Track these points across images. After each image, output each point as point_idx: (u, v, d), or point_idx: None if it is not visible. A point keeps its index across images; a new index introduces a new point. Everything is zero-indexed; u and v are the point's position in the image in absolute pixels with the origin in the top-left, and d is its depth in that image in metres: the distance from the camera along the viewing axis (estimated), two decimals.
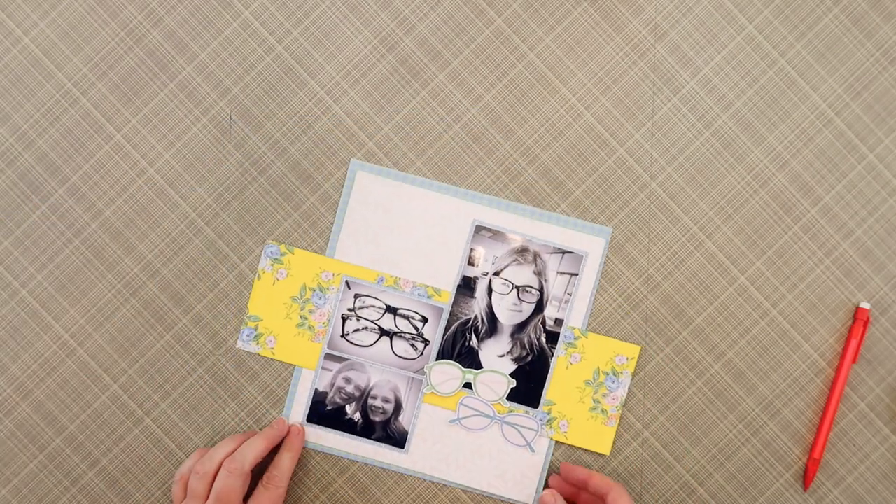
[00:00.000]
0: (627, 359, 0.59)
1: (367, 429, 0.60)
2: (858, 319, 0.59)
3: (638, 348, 0.59)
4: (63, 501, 0.60)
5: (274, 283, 0.59)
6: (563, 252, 0.59)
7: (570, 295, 0.59)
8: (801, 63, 0.60)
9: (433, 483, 0.60)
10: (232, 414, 0.60)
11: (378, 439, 0.60)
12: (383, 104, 0.60)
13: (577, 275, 0.59)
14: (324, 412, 0.60)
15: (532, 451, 0.59)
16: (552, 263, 0.59)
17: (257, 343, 0.59)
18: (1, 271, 0.60)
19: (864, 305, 0.59)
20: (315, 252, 0.59)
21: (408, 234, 0.59)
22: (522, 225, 0.59)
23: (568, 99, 0.60)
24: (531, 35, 0.60)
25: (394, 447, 0.60)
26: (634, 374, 0.60)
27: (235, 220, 0.60)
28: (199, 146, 0.60)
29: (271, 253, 0.59)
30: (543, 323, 0.60)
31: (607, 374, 0.59)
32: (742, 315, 0.60)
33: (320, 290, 0.59)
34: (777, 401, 0.60)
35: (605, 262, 0.60)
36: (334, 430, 0.60)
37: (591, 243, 0.59)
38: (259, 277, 0.59)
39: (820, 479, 0.60)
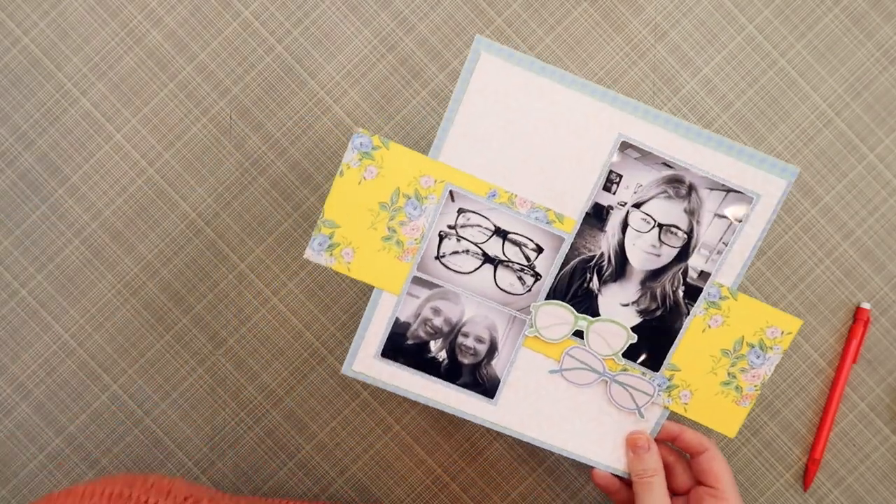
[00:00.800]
0: (783, 333, 0.49)
1: (452, 372, 0.50)
2: (859, 319, 0.59)
3: (800, 322, 0.49)
4: None
5: (360, 183, 0.48)
6: (729, 190, 0.48)
7: (725, 245, 0.49)
8: (802, 63, 0.60)
9: (437, 480, 0.60)
10: (232, 414, 0.60)
11: (464, 385, 0.50)
12: (383, 104, 0.60)
13: (741, 221, 0.48)
14: (403, 346, 0.50)
15: (641, 416, 0.51)
16: (711, 202, 0.48)
17: (331, 255, 0.49)
18: (1, 271, 0.60)
19: (865, 305, 0.59)
20: (415, 150, 0.51)
21: (534, 141, 0.47)
22: (682, 148, 0.47)
23: None
24: (531, 35, 0.60)
25: (481, 396, 0.51)
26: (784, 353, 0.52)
27: (235, 220, 0.60)
28: (199, 146, 0.60)
29: (360, 145, 0.47)
30: (685, 274, 0.49)
31: (752, 347, 0.49)
32: None
33: (417, 199, 0.48)
34: (777, 401, 0.60)
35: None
36: (413, 370, 0.50)
37: (769, 184, 0.47)
38: (342, 174, 0.47)
39: (820, 479, 0.60)
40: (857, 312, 0.59)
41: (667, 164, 0.48)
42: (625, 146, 0.48)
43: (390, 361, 0.50)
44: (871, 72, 0.60)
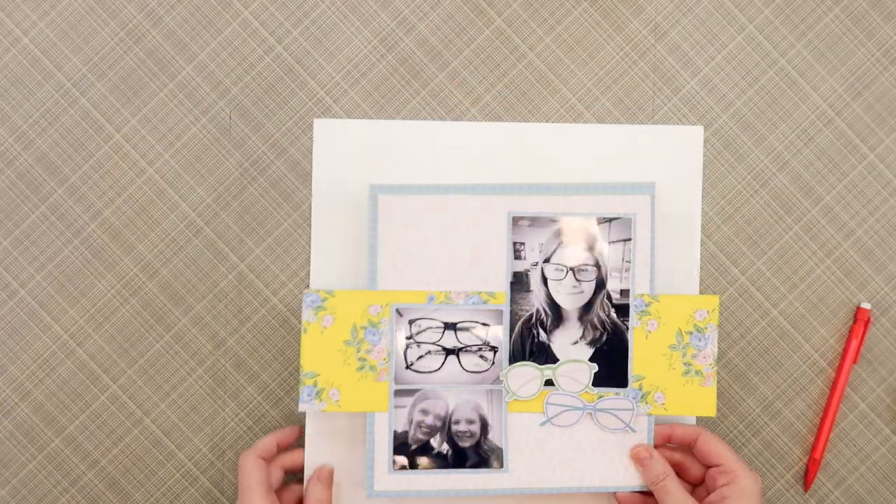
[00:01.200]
0: (708, 312, 0.56)
1: (459, 458, 0.56)
2: (859, 320, 0.59)
3: (716, 298, 0.56)
4: (62, 502, 0.60)
5: (322, 332, 0.56)
6: (610, 220, 0.57)
7: (629, 262, 0.57)
8: (802, 63, 0.60)
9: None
10: (232, 414, 0.60)
11: (474, 466, 0.56)
12: (383, 104, 0.60)
13: (630, 240, 0.57)
14: (409, 453, 0.56)
15: (633, 431, 0.56)
16: (601, 234, 0.57)
17: (321, 400, 0.56)
18: (1, 271, 0.60)
19: (865, 305, 0.59)
20: (356, 288, 0.58)
21: (445, 245, 0.57)
22: (559, 203, 0.57)
23: (568, 99, 0.60)
24: (531, 35, 0.60)
25: (492, 469, 0.56)
26: (719, 326, 0.58)
27: (235, 220, 0.60)
28: (199, 146, 0.60)
29: (312, 302, 0.56)
30: (609, 298, 0.57)
31: (691, 333, 0.56)
32: (742, 315, 0.60)
33: (372, 326, 0.56)
34: (777, 401, 0.60)
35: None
36: (425, 471, 0.56)
37: (637, 203, 0.56)
38: (305, 331, 0.56)
39: (821, 479, 0.60)
40: (858, 312, 0.59)
41: (553, 220, 0.57)
42: (516, 220, 0.57)
43: (404, 471, 0.56)
44: (872, 72, 0.60)
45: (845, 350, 0.59)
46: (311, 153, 0.60)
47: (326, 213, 0.59)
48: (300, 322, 0.57)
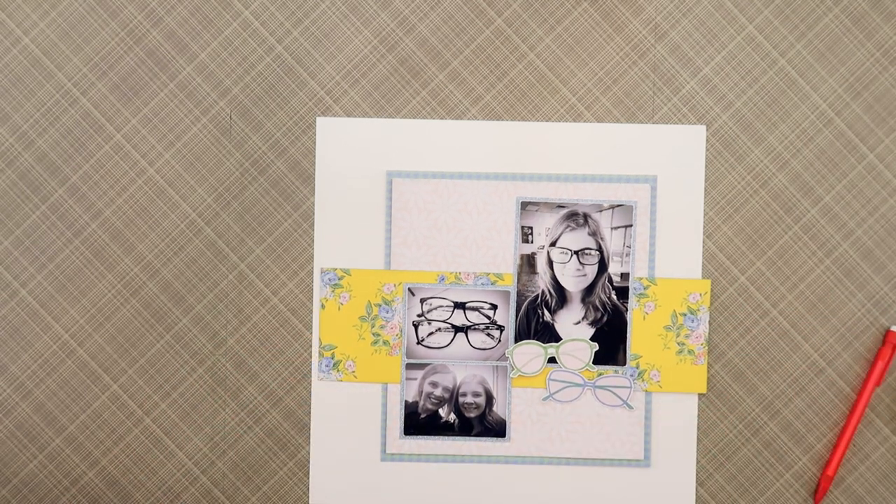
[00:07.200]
0: (701, 294, 0.59)
1: (464, 427, 0.60)
2: (888, 342, 0.59)
3: (708, 282, 0.59)
4: (63, 501, 0.60)
5: (339, 309, 0.60)
6: (613, 207, 0.59)
7: (629, 247, 0.60)
8: (802, 63, 0.60)
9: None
10: (232, 414, 0.60)
11: (478, 434, 0.60)
12: (383, 104, 0.60)
13: (631, 226, 0.60)
14: (419, 422, 0.60)
15: (630, 407, 0.60)
16: (604, 221, 0.60)
17: (338, 371, 0.60)
18: (1, 271, 0.60)
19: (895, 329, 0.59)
20: (372, 268, 0.60)
21: (457, 227, 0.60)
22: (566, 190, 0.59)
23: (568, 99, 0.60)
24: (531, 35, 0.60)
25: (495, 438, 0.60)
26: (710, 308, 0.60)
27: (235, 220, 0.60)
28: (199, 146, 0.60)
29: (329, 280, 0.59)
30: (610, 281, 0.60)
31: (685, 315, 0.59)
32: (742, 315, 0.60)
33: (385, 304, 0.60)
34: (777, 401, 0.60)
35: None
36: (433, 437, 0.60)
37: (638, 191, 0.59)
38: (323, 307, 0.59)
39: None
40: (888, 335, 0.59)
41: (560, 206, 0.60)
42: (525, 205, 0.60)
43: (414, 437, 0.60)
44: (871, 72, 0.60)
45: (870, 372, 0.59)
46: (312, 153, 0.60)
47: (331, 204, 0.60)
48: (318, 300, 0.60)
